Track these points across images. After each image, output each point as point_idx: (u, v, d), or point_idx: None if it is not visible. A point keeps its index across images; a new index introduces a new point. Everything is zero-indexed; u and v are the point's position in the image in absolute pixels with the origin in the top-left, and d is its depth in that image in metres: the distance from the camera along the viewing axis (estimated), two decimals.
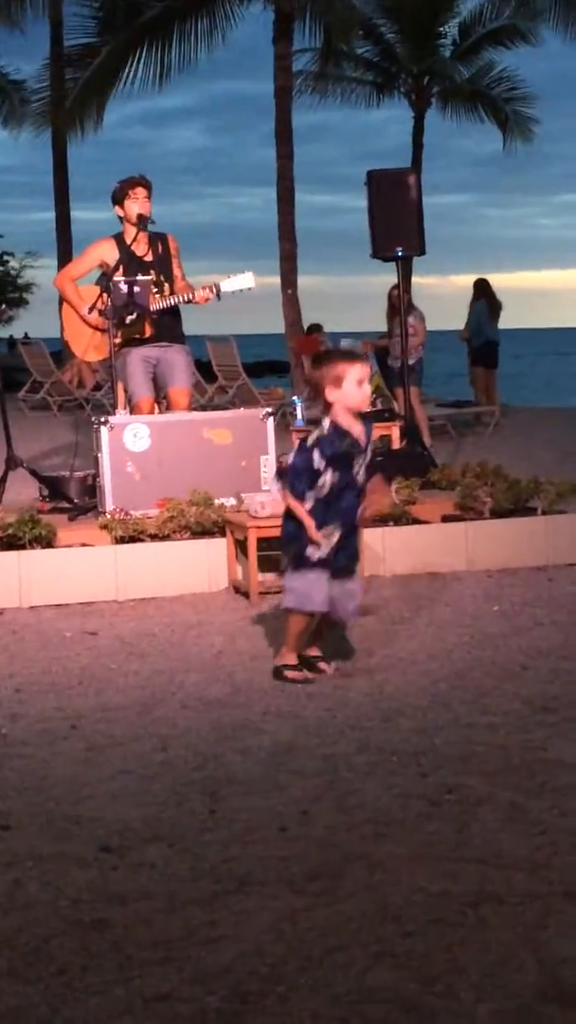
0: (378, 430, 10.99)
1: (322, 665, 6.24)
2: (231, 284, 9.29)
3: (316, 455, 5.92)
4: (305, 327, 21.52)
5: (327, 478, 5.92)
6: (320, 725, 5.46)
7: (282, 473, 6.19)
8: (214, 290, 9.23)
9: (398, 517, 8.68)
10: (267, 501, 7.95)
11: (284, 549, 6.17)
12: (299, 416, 11.40)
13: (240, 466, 8.93)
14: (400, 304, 12.23)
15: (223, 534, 8.25)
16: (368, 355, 15.43)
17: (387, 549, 8.42)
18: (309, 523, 5.94)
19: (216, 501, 8.45)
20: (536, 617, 7.22)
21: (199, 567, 8.20)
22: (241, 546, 8.02)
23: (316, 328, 21.20)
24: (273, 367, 32.17)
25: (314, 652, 6.28)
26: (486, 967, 3.36)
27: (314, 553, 5.98)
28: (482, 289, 18.43)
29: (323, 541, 5.95)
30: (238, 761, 5.05)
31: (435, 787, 4.68)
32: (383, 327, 16.49)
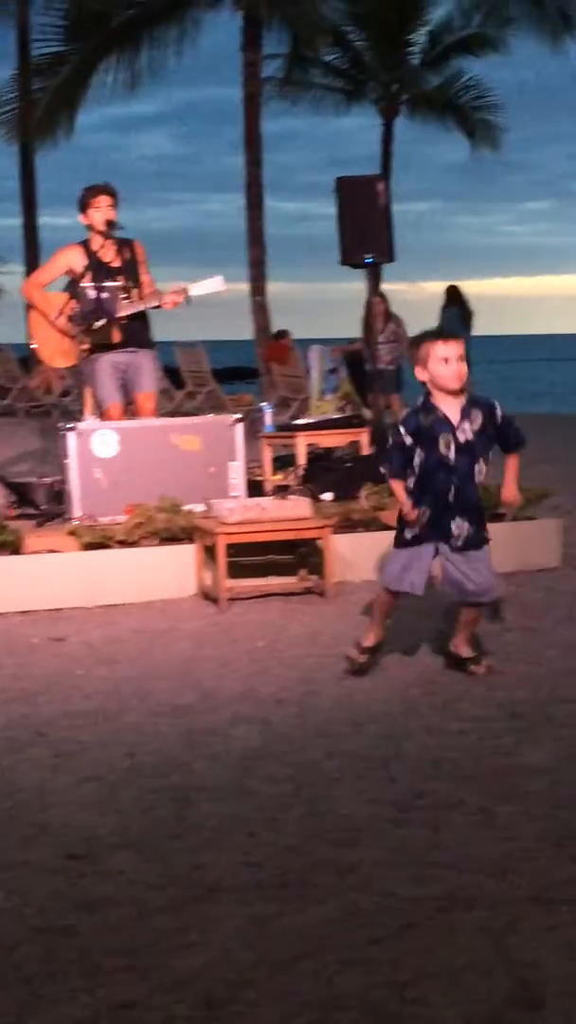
0: (347, 436, 11.03)
1: (473, 668, 6.21)
2: (200, 288, 9.26)
3: (403, 430, 6.04)
4: (274, 333, 21.52)
5: (417, 455, 6.00)
6: (289, 731, 5.45)
7: (385, 454, 6.31)
8: (183, 295, 9.21)
9: (367, 523, 8.67)
10: (236, 507, 7.93)
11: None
12: (268, 422, 11.40)
13: (209, 472, 8.90)
14: (367, 311, 12.23)
15: (192, 540, 8.22)
16: (339, 363, 15.44)
17: (357, 555, 8.40)
18: (404, 500, 6.04)
19: (185, 507, 8.42)
20: (505, 623, 7.22)
21: (167, 573, 8.17)
22: (210, 552, 8.00)
23: (283, 334, 21.20)
24: (242, 373, 32.16)
25: (464, 651, 6.27)
26: (455, 972, 3.34)
27: (408, 532, 6.09)
28: (454, 296, 18.44)
29: (409, 519, 6.04)
30: (207, 768, 5.02)
31: (404, 793, 4.67)
32: (353, 333, 16.51)
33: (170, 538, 8.27)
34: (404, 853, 4.13)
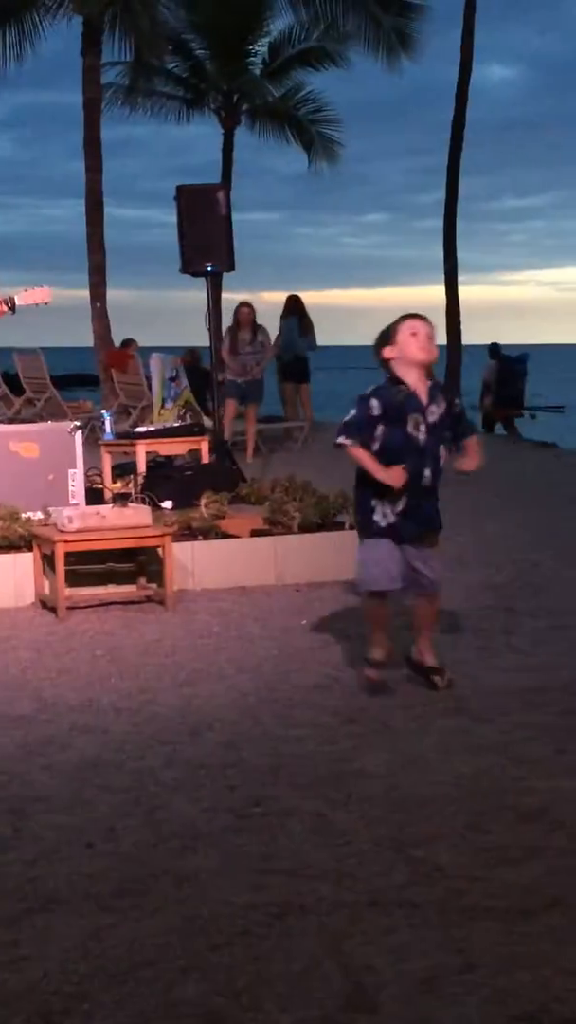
0: (187, 444, 11.03)
1: (436, 679, 6.06)
2: (27, 298, 9.21)
3: (374, 402, 5.85)
4: (115, 340, 21.39)
5: (380, 430, 5.84)
6: (127, 740, 5.43)
7: (342, 427, 5.94)
8: (9, 304, 9.13)
9: (207, 531, 8.69)
10: (75, 515, 7.87)
11: (355, 520, 6.17)
12: (108, 429, 11.32)
13: (48, 480, 8.83)
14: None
15: (30, 548, 8.14)
16: (179, 371, 15.42)
17: (196, 563, 8.42)
18: (373, 465, 5.81)
19: (23, 515, 8.33)
20: (343, 630, 7.29)
21: (5, 582, 8.07)
22: (48, 560, 7.92)
23: (128, 343, 21.08)
24: (83, 380, 31.88)
25: (429, 660, 6.14)
26: (291, 978, 3.37)
27: (381, 520, 5.92)
28: (293, 305, 18.55)
29: (393, 481, 5.81)
30: (44, 778, 4.98)
31: (243, 800, 4.69)
32: (193, 342, 16.49)
33: (8, 546, 8.17)
34: (242, 860, 4.15)
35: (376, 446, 5.86)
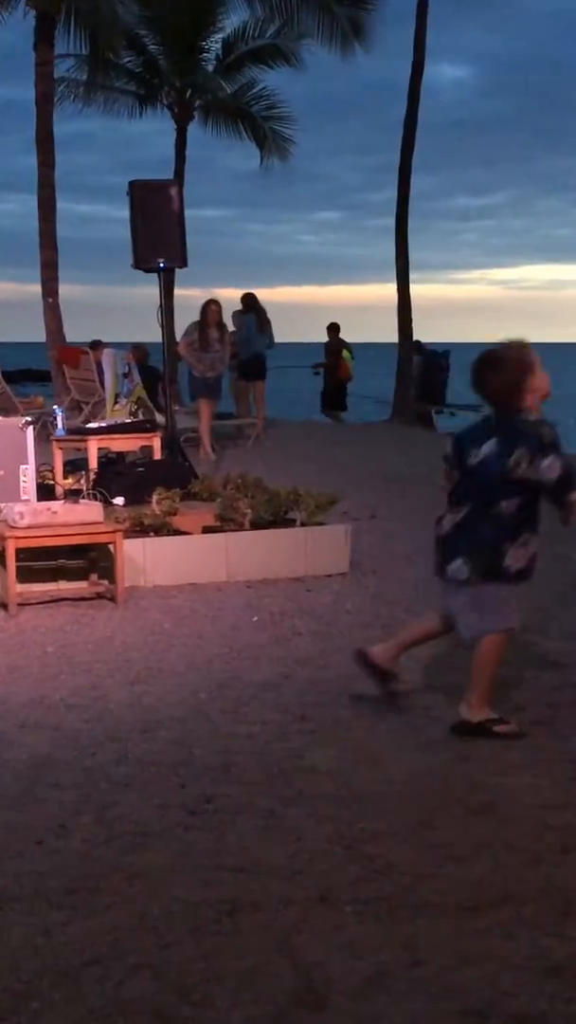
0: (139, 441, 11.02)
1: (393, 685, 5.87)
2: None
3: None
4: (67, 335, 21.30)
5: None
6: (78, 737, 5.42)
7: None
8: None
9: (159, 528, 8.68)
10: (26, 511, 7.84)
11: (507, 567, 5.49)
12: (60, 425, 11.30)
13: None
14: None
15: None
16: (132, 367, 15.37)
17: (148, 560, 8.40)
18: None
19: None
20: (294, 627, 7.31)
21: None
22: None
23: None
24: (34, 375, 31.69)
25: (394, 667, 5.88)
26: (242, 974, 3.38)
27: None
28: (250, 303, 18.54)
29: None
30: None
31: (194, 797, 4.69)
32: (145, 337, 16.43)
33: None
34: (193, 858, 4.15)
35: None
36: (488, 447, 5.35)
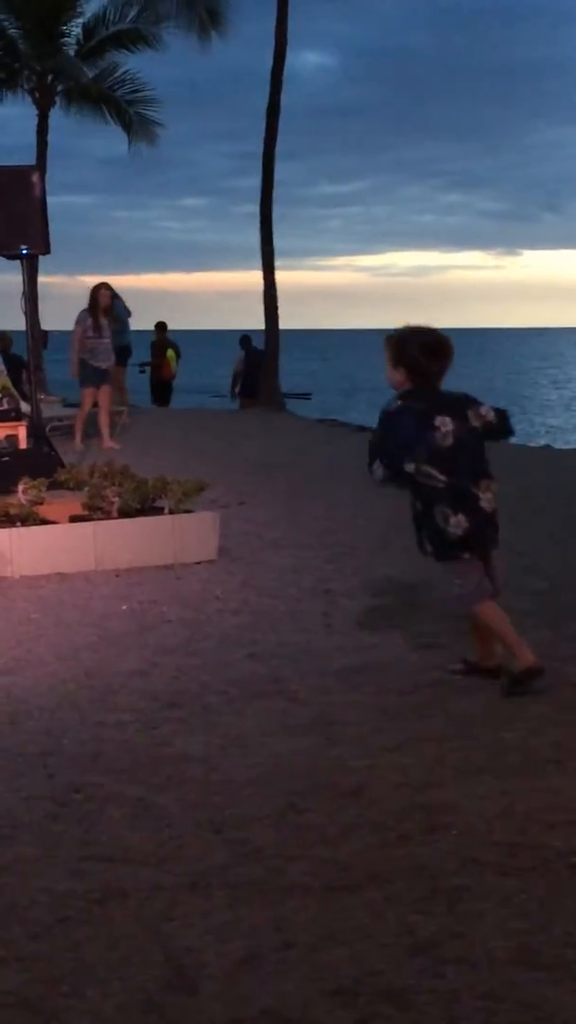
0: (5, 430, 10.91)
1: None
2: None
3: None
4: None
5: None
6: None
7: None
8: None
9: (25, 518, 8.60)
10: None
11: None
12: None
13: None
14: (26, 304, 12.08)
15: None
16: None
17: (14, 550, 8.32)
18: None
19: None
20: (163, 615, 7.30)
21: None
22: None
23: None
24: None
25: None
26: (112, 962, 3.38)
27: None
28: (111, 291, 18.40)
29: None
30: None
31: (62, 787, 4.67)
32: (8, 325, 16.24)
33: None
34: (61, 848, 4.13)
35: None
36: None
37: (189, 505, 9.01)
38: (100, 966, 3.36)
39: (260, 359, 24.67)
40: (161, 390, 24.52)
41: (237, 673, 6.13)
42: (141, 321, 18.87)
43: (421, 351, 5.71)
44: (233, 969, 3.34)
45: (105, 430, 15.76)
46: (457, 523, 5.68)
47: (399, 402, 5.67)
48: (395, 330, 5.83)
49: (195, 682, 6.01)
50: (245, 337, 25.14)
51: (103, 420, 15.91)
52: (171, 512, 8.91)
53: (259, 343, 25.08)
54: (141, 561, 8.58)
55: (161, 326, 24.63)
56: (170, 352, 24.33)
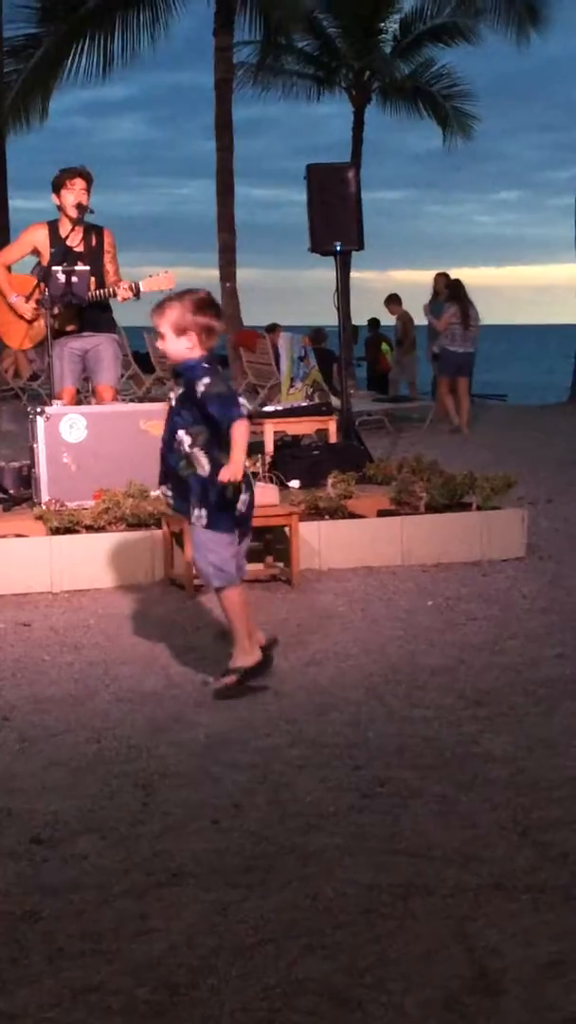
0: (315, 424, 11.05)
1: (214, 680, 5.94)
2: (151, 284, 9.30)
3: None
4: (243, 320, 21.51)
5: None
6: (254, 718, 5.47)
7: None
8: (133, 289, 9.23)
9: (334, 511, 8.70)
10: None
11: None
12: None
13: None
14: (338, 300, 12.22)
15: (159, 526, 8.23)
16: (308, 351, 15.41)
17: (323, 543, 8.43)
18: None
19: (152, 493, 8.41)
20: (469, 612, 7.26)
21: (135, 559, 8.17)
22: (177, 538, 8.00)
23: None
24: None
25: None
26: (415, 959, 3.38)
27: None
28: (457, 290, 17.61)
29: None
30: (171, 754, 5.04)
31: (367, 780, 4.70)
32: (322, 321, 16.47)
33: (138, 524, 8.27)
34: (366, 840, 4.16)
35: None
36: None
37: (497, 502, 8.93)
38: (403, 961, 3.37)
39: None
40: (379, 383, 24.35)
41: (545, 673, 6.05)
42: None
43: None
44: (537, 975, 3.29)
45: (463, 415, 17.12)
46: None
47: None
48: None
49: (502, 681, 5.95)
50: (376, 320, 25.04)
51: (451, 406, 17.22)
52: (479, 508, 8.85)
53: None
54: (448, 557, 8.55)
55: (374, 322, 24.83)
56: (384, 345, 24.33)
